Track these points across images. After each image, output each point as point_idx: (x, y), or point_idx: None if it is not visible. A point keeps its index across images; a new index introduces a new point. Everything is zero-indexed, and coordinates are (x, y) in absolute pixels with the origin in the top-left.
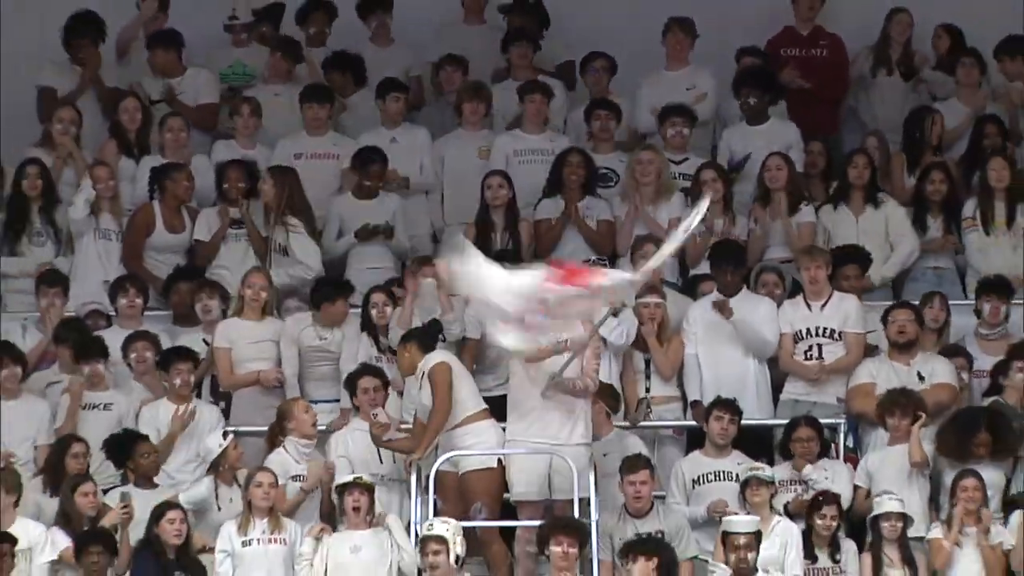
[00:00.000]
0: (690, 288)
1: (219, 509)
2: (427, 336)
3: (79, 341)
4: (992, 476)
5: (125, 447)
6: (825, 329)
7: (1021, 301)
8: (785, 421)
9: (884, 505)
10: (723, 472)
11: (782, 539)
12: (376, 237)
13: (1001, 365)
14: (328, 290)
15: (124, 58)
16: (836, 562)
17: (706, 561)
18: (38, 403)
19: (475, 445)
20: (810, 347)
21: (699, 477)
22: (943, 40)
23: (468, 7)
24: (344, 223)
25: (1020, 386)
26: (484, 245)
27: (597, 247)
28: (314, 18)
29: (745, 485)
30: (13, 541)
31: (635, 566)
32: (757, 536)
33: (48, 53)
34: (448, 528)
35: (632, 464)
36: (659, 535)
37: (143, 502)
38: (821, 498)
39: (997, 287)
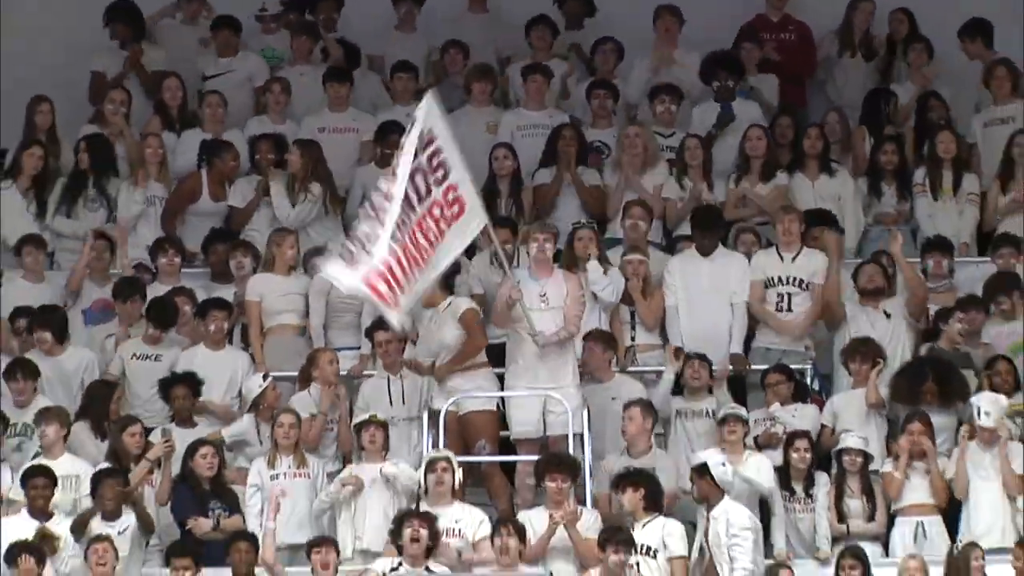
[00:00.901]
0: (671, 248)
1: (260, 443)
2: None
3: (159, 310)
4: (942, 421)
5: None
6: (795, 279)
7: (970, 259)
8: (762, 367)
9: (846, 441)
10: (702, 410)
11: (754, 467)
12: None
13: (943, 313)
14: None
15: (151, 39)
16: (809, 495)
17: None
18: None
19: (474, 390)
20: (780, 295)
21: (680, 411)
22: (903, 24)
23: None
24: (367, 190)
25: (955, 335)
26: (490, 210)
27: (589, 209)
28: (323, 6)
29: (723, 422)
30: (51, 476)
31: (624, 496)
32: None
33: (97, 40)
34: (451, 455)
35: (625, 405)
36: (652, 471)
37: (182, 440)
38: (794, 435)
39: (939, 245)
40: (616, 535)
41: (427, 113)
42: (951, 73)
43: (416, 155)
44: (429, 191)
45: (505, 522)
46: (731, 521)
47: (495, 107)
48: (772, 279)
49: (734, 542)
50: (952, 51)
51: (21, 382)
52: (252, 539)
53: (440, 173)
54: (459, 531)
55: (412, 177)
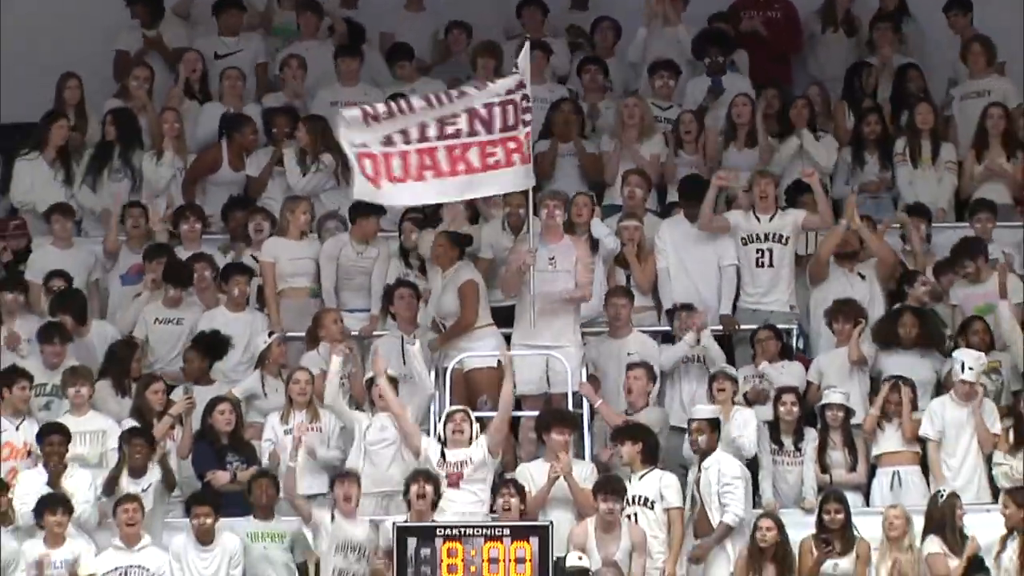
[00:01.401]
0: (666, 214)
1: (265, 396)
2: (457, 234)
3: (170, 266)
4: (924, 375)
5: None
6: (773, 234)
7: (948, 224)
8: (752, 327)
9: (829, 397)
10: (693, 357)
11: (740, 423)
12: None
13: (908, 275)
14: (364, 208)
15: (188, 19)
16: (798, 448)
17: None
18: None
19: (479, 348)
20: (760, 251)
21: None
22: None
23: None
24: None
25: (921, 296)
26: None
27: (589, 177)
28: None
29: (713, 379)
30: (66, 433)
31: (623, 448)
32: (713, 424)
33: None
34: (467, 409)
35: (629, 366)
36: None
37: (201, 397)
38: (781, 391)
39: (917, 210)
40: (606, 485)
41: (523, 66)
42: (930, 47)
43: (510, 91)
44: (503, 127)
45: (507, 483)
46: (723, 471)
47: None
48: (751, 236)
49: (725, 490)
50: (933, 26)
51: (57, 345)
52: (273, 477)
53: (514, 120)
54: (470, 460)
55: (493, 105)
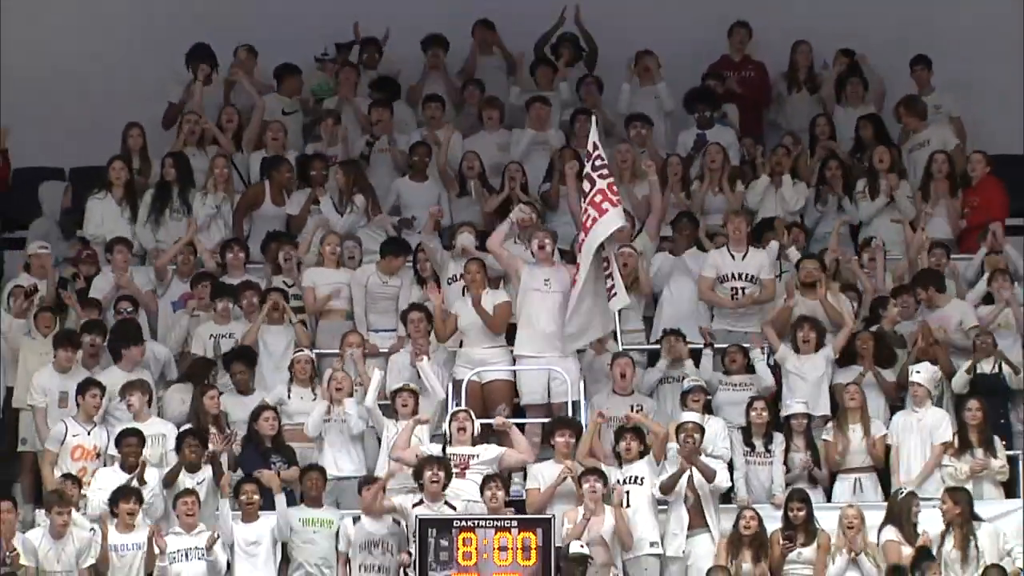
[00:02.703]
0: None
1: (289, 399)
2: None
3: (214, 285)
4: (885, 383)
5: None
6: (745, 275)
7: (897, 256)
8: (723, 346)
9: (792, 408)
10: (679, 376)
11: (712, 434)
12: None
13: (879, 300)
14: (394, 248)
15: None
16: (768, 450)
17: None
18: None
19: (497, 363)
20: (733, 289)
21: (664, 378)
22: (840, 62)
23: (479, 43)
24: (401, 198)
25: (894, 316)
26: (504, 214)
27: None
28: (366, 48)
29: (688, 393)
30: (140, 436)
31: (624, 444)
32: (700, 428)
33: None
34: (470, 410)
35: (615, 355)
36: (639, 407)
37: (242, 406)
38: (752, 399)
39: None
40: (591, 472)
41: (593, 132)
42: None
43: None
44: (593, 183)
45: (493, 478)
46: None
47: (503, 130)
48: (725, 275)
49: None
50: (892, 78)
51: (134, 349)
52: (321, 470)
53: (606, 171)
54: (477, 456)
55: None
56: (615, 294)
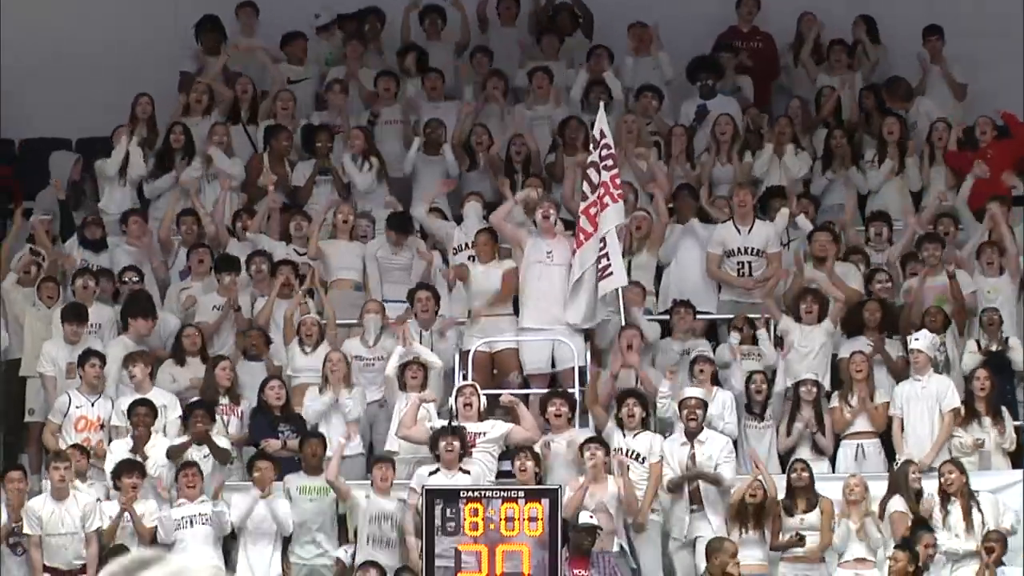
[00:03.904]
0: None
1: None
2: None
3: (221, 257)
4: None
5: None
6: (752, 248)
7: (899, 227)
8: (730, 316)
9: (801, 374)
10: (686, 350)
11: (720, 404)
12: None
13: (870, 275)
14: (400, 224)
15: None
16: (765, 417)
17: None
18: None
19: (506, 332)
20: (740, 264)
21: (682, 351)
22: (860, 27)
23: (502, 15)
24: (415, 172)
25: (879, 292)
26: (512, 188)
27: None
28: (369, 19)
29: (694, 363)
30: (151, 406)
31: (626, 408)
32: (703, 403)
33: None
34: (475, 384)
35: (622, 328)
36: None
37: (253, 373)
38: (752, 372)
39: (880, 216)
40: (591, 440)
41: (600, 119)
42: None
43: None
44: (600, 175)
45: (524, 449)
46: (721, 446)
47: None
48: (732, 250)
49: (725, 460)
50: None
51: (140, 321)
52: (322, 437)
53: (610, 162)
54: (484, 433)
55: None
56: (610, 274)
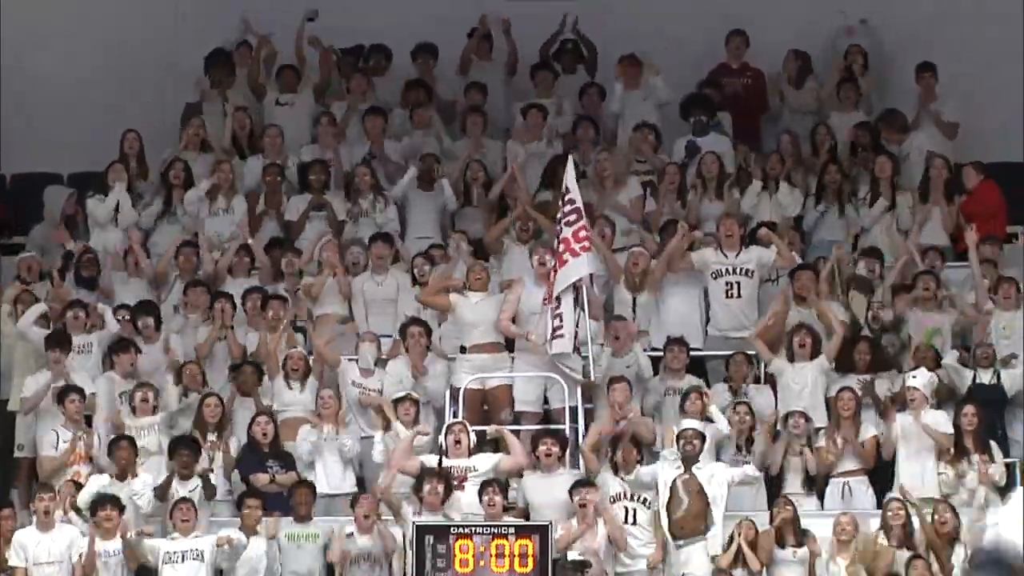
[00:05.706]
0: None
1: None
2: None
3: (210, 293)
4: (880, 387)
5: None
6: (741, 268)
7: (890, 264)
8: (726, 353)
9: (790, 406)
10: (680, 388)
11: (711, 437)
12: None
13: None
14: (378, 237)
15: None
16: (749, 451)
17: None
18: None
19: (500, 370)
20: (728, 284)
21: (665, 390)
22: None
23: (479, 51)
24: (406, 199)
25: (871, 323)
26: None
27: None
28: (374, 56)
29: (686, 395)
30: (133, 443)
31: (621, 452)
32: (700, 434)
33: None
34: (464, 421)
35: (610, 380)
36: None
37: (246, 409)
38: (736, 403)
39: (872, 251)
40: (582, 484)
41: (568, 174)
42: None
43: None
44: (560, 231)
45: (491, 483)
46: (726, 473)
47: (489, 140)
48: (719, 270)
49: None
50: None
51: (123, 356)
52: (311, 486)
53: (572, 217)
54: (475, 468)
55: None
56: (560, 336)
